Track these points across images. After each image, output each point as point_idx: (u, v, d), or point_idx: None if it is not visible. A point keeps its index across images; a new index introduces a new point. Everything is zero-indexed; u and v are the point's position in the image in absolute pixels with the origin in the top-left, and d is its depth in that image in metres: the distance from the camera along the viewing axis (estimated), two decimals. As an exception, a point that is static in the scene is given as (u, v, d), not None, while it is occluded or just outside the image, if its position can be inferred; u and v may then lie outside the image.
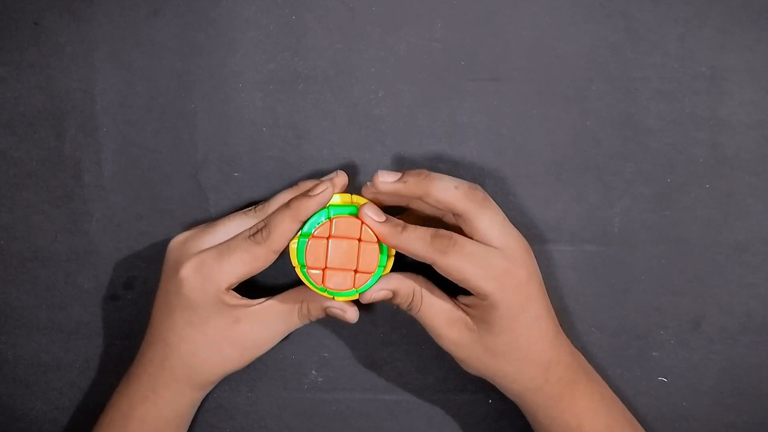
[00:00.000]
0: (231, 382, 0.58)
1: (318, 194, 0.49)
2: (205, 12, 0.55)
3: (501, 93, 0.55)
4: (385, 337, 0.57)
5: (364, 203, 0.50)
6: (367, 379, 0.57)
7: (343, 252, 0.49)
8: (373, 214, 0.49)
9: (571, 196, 0.55)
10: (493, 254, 0.48)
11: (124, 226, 0.57)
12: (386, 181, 0.48)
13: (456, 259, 0.48)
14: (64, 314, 0.57)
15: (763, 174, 0.55)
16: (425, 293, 0.50)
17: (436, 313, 0.50)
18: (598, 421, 0.51)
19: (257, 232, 0.49)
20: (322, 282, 0.49)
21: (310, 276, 0.49)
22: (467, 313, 0.50)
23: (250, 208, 0.53)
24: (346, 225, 0.49)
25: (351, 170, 0.55)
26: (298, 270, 0.50)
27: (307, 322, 0.53)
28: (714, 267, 0.55)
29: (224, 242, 0.50)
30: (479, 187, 0.49)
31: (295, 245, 0.50)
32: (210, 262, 0.49)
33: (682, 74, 0.54)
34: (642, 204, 0.55)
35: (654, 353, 0.56)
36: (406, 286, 0.50)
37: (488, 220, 0.48)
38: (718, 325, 0.56)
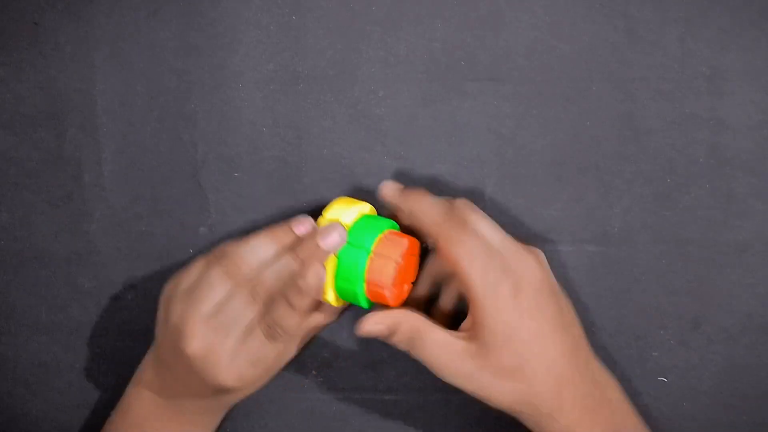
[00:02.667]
0: (231, 382, 0.58)
1: (312, 287, 0.48)
2: (205, 12, 0.55)
3: (501, 93, 0.55)
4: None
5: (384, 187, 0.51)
6: (367, 379, 0.57)
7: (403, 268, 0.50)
8: (391, 184, 0.51)
9: (571, 196, 0.55)
10: (495, 257, 0.46)
11: (124, 226, 0.57)
12: (387, 189, 0.51)
13: (458, 247, 0.46)
14: (64, 314, 0.57)
15: (763, 174, 0.55)
16: (425, 329, 0.47)
17: (439, 348, 0.47)
18: None
19: (274, 335, 0.48)
20: (384, 299, 0.49)
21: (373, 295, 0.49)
22: (468, 341, 0.47)
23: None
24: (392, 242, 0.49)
25: (350, 173, 0.56)
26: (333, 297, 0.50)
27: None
28: (714, 267, 0.55)
29: (248, 341, 0.48)
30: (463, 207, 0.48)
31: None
32: (245, 369, 0.48)
33: (681, 74, 0.54)
34: (642, 204, 0.55)
35: (654, 353, 0.56)
36: (409, 320, 0.48)
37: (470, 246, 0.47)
38: (718, 325, 0.56)
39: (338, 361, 0.57)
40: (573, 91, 0.55)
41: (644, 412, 0.56)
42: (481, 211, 0.49)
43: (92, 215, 0.57)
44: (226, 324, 0.47)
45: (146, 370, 0.52)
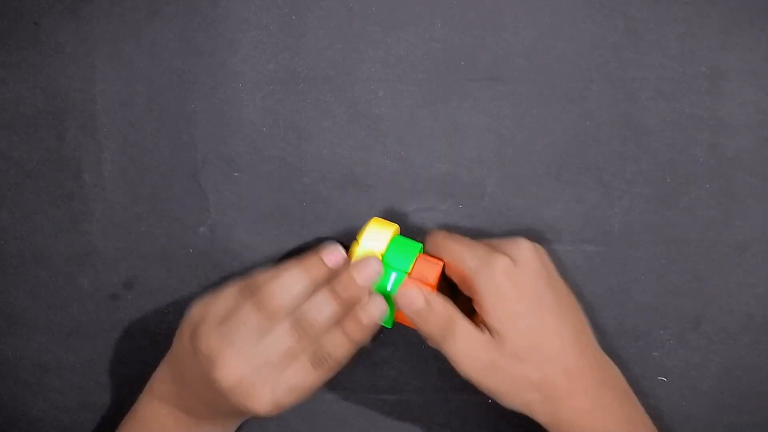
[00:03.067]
0: (231, 382, 0.58)
1: (373, 317, 0.49)
2: (205, 12, 0.55)
3: (501, 93, 0.55)
4: (385, 337, 0.57)
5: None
6: (367, 379, 0.57)
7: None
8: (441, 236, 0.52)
9: (571, 196, 0.55)
10: (478, 246, 0.49)
11: (124, 226, 0.57)
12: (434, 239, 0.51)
13: (453, 245, 0.49)
14: (64, 314, 0.57)
15: (763, 174, 0.55)
16: (458, 318, 0.49)
17: (468, 340, 0.48)
18: None
19: (317, 359, 0.48)
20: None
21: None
22: (484, 333, 0.48)
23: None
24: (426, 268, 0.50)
25: (350, 173, 0.56)
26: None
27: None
28: (714, 267, 0.55)
29: (287, 371, 0.48)
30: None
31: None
32: (276, 398, 0.48)
33: (681, 74, 0.54)
34: (642, 204, 0.55)
35: (654, 353, 0.56)
36: (446, 305, 0.49)
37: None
38: (718, 325, 0.56)
39: (338, 361, 0.57)
40: (573, 91, 0.55)
41: (644, 412, 0.56)
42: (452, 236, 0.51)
43: (92, 215, 0.57)
44: (265, 356, 0.48)
45: (163, 383, 0.52)
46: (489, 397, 0.57)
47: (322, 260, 0.49)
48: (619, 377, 0.51)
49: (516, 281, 0.48)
